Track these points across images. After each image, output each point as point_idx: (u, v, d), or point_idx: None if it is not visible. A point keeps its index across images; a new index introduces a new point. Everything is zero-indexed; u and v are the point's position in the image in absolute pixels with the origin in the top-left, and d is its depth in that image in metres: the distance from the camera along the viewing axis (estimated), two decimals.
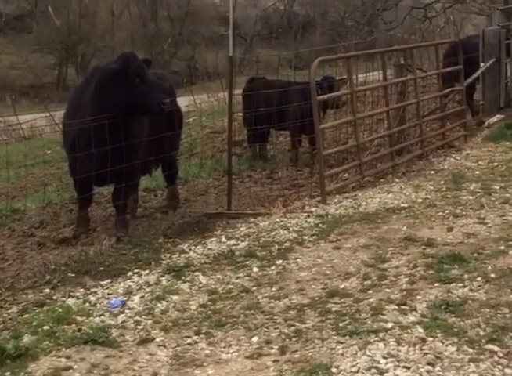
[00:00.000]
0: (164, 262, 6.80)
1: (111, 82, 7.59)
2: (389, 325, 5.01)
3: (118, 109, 7.58)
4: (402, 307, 5.32)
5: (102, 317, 5.53)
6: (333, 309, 5.39)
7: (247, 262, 6.67)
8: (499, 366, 4.46)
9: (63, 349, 4.95)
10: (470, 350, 4.61)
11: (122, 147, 7.64)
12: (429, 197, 8.67)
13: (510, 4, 19.60)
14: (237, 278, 6.26)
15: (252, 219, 8.20)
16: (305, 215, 8.17)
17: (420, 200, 8.56)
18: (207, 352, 4.87)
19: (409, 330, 4.92)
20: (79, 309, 5.66)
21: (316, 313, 5.35)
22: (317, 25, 47.64)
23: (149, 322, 5.40)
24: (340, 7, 34.19)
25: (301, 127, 11.33)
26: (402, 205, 8.35)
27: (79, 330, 5.24)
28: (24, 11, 52.37)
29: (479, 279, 5.77)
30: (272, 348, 4.83)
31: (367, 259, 6.48)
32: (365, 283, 5.91)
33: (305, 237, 7.31)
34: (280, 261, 6.66)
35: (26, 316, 5.58)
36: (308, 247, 7.01)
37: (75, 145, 7.80)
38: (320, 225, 7.74)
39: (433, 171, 10.20)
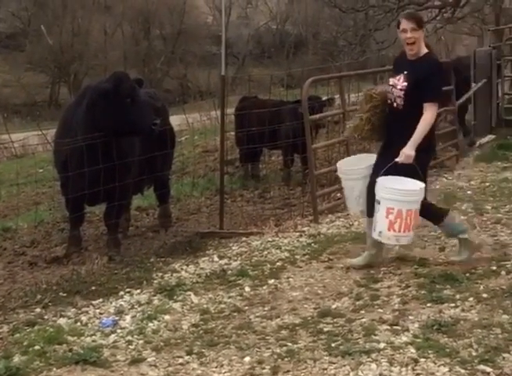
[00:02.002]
0: (155, 281, 6.78)
1: (102, 101, 7.58)
2: (381, 345, 5.00)
3: (109, 128, 7.56)
4: (395, 327, 5.32)
5: (93, 337, 5.51)
6: (326, 329, 5.38)
7: (239, 282, 6.66)
8: None
9: (54, 369, 4.93)
10: (463, 371, 4.60)
11: (114, 166, 7.63)
12: None
13: (501, 25, 19.76)
14: (229, 297, 6.25)
15: (244, 239, 8.19)
16: (297, 234, 8.17)
17: None
18: (199, 372, 4.85)
19: (401, 351, 4.91)
20: (70, 329, 5.64)
21: (308, 333, 5.34)
22: (309, 45, 47.89)
23: (141, 342, 5.38)
24: (332, 27, 34.37)
25: (293, 146, 11.35)
26: None
27: (70, 350, 5.22)
28: (17, 29, 52.46)
29: (471, 299, 5.77)
30: (264, 369, 4.81)
31: (359, 279, 6.48)
32: (358, 303, 5.91)
33: (297, 257, 7.31)
34: (272, 280, 6.65)
35: (17, 335, 5.56)
36: (300, 267, 7.01)
37: (67, 164, 7.79)
38: (312, 244, 7.74)
39: None
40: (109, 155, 7.59)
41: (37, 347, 5.26)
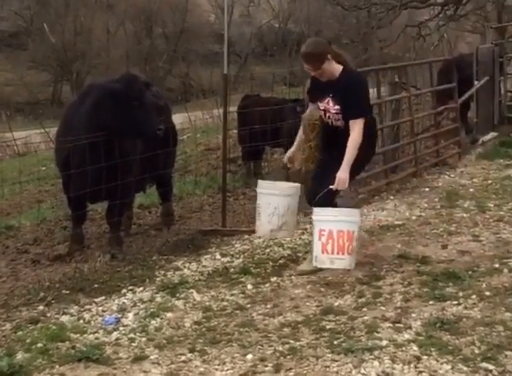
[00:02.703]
0: (158, 279, 6.78)
1: (110, 101, 7.56)
2: (384, 343, 5.00)
3: (113, 129, 7.55)
4: (397, 325, 5.31)
5: (96, 334, 5.51)
6: (328, 327, 5.38)
7: (242, 279, 6.66)
8: None
9: (57, 367, 4.92)
10: (465, 368, 4.60)
11: (116, 164, 7.63)
12: (423, 214, 8.68)
13: (503, 22, 19.74)
14: (231, 295, 6.25)
15: (246, 236, 8.19)
16: (300, 231, 8.16)
17: (414, 217, 8.57)
18: (202, 369, 4.85)
19: (403, 348, 4.90)
20: (73, 327, 5.64)
21: (311, 331, 5.33)
22: None
23: (144, 339, 5.38)
24: (334, 25, 34.37)
25: None
26: (397, 223, 8.35)
27: (73, 348, 5.21)
28: (20, 28, 52.59)
29: (474, 297, 5.76)
30: (266, 366, 4.81)
31: (361, 277, 6.47)
32: (360, 300, 5.90)
33: (300, 254, 7.31)
34: (275, 278, 6.65)
35: (19, 333, 5.56)
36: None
37: (68, 162, 7.78)
38: None
39: (427, 189, 10.22)
40: (111, 153, 7.58)
41: (39, 344, 5.26)
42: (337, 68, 6.68)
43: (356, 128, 6.52)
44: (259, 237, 6.97)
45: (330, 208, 6.48)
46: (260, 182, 7.24)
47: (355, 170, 6.62)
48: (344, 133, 6.59)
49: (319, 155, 6.90)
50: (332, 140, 6.75)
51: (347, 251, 6.33)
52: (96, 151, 7.48)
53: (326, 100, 6.70)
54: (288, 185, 7.18)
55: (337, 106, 6.64)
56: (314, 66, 6.63)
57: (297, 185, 7.08)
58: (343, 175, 6.45)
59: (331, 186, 6.47)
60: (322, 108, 6.77)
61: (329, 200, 6.60)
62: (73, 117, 7.90)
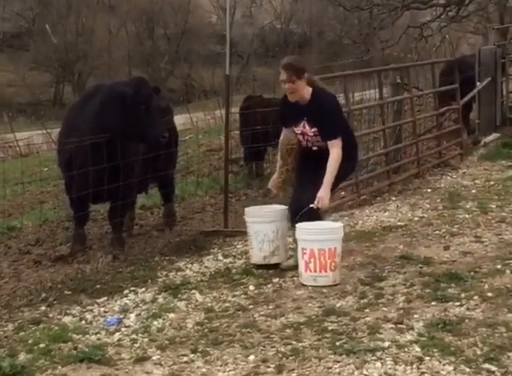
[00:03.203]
0: (160, 279, 6.79)
1: (118, 104, 7.56)
2: (386, 344, 4.99)
3: (117, 132, 7.55)
4: (399, 326, 5.31)
5: (98, 335, 5.51)
6: (330, 328, 5.37)
7: (244, 280, 6.67)
8: None
9: (59, 367, 4.92)
10: (468, 369, 4.59)
11: (119, 165, 7.63)
12: (425, 215, 8.68)
13: (505, 23, 19.75)
14: (234, 296, 6.25)
15: None
16: None
17: (416, 218, 8.57)
18: (204, 370, 4.85)
19: (406, 349, 4.90)
20: (75, 327, 5.64)
21: (313, 332, 5.33)
22: (313, 43, 47.89)
23: (146, 340, 5.38)
24: (336, 26, 34.40)
25: None
26: (399, 223, 8.36)
27: (75, 349, 5.22)
28: (22, 29, 52.61)
29: (476, 298, 5.76)
30: (268, 367, 4.81)
31: (364, 278, 6.48)
32: (362, 301, 5.90)
33: None
34: (277, 279, 6.66)
35: (22, 333, 5.56)
36: None
37: (72, 163, 7.78)
38: None
39: (429, 190, 10.22)
40: (114, 154, 7.59)
41: (42, 345, 5.26)
42: (308, 90, 6.75)
43: (335, 149, 6.63)
44: (254, 264, 7.01)
45: (312, 225, 6.53)
46: (247, 210, 7.33)
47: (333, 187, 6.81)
48: (326, 154, 6.66)
49: (296, 175, 6.98)
50: (312, 159, 6.82)
51: (330, 268, 6.36)
52: (99, 152, 7.48)
53: (302, 124, 6.77)
54: (274, 209, 7.29)
55: (314, 129, 6.71)
56: (290, 78, 6.65)
57: (284, 207, 7.16)
58: (324, 194, 6.58)
59: (312, 205, 6.56)
60: (299, 132, 6.82)
61: (312, 217, 6.66)
62: (77, 118, 7.90)
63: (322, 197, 6.56)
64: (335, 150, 6.60)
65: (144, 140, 7.80)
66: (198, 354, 5.07)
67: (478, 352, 4.80)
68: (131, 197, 8.43)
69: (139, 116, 7.54)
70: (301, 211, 6.66)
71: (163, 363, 4.97)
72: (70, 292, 6.51)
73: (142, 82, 7.91)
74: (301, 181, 6.93)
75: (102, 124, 7.57)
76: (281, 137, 7.10)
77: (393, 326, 5.32)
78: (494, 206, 8.83)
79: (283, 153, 6.99)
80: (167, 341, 5.32)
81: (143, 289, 6.51)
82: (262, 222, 7.03)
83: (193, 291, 6.37)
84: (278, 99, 13.14)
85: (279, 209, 7.20)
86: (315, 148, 6.79)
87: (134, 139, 7.72)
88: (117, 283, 6.74)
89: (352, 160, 7.15)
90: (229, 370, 4.81)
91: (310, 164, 6.81)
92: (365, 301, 5.91)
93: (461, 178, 11.00)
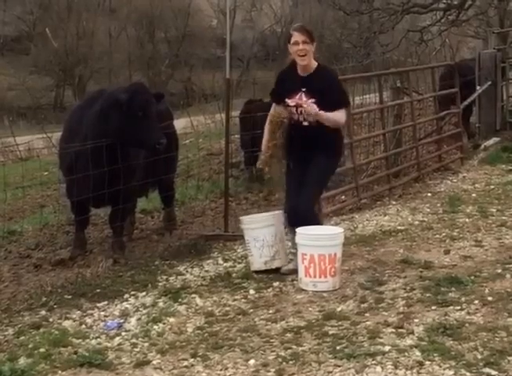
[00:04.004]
0: (160, 284, 6.79)
1: (114, 111, 7.58)
2: (386, 348, 4.99)
3: (115, 137, 7.57)
4: (399, 330, 5.30)
5: (98, 339, 5.51)
6: (330, 332, 5.37)
7: (244, 284, 6.67)
8: None
9: (59, 372, 4.92)
10: (468, 374, 4.59)
11: (120, 169, 7.63)
12: (426, 219, 8.68)
13: (505, 27, 19.75)
14: (234, 300, 6.25)
15: None
16: None
17: (416, 222, 8.57)
18: (204, 374, 4.84)
19: (406, 354, 4.90)
20: (75, 332, 5.64)
21: (313, 336, 5.33)
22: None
23: (146, 344, 5.38)
24: (336, 30, 34.35)
25: None
26: (399, 228, 8.36)
27: (75, 353, 5.21)
28: (22, 33, 52.63)
29: (476, 302, 5.76)
30: (268, 371, 4.81)
31: (364, 282, 6.47)
32: (362, 306, 5.90)
33: None
34: (277, 283, 6.65)
35: (22, 338, 5.56)
36: None
37: (73, 167, 7.79)
38: None
39: (429, 194, 10.22)
40: (114, 158, 7.59)
41: (42, 349, 5.26)
42: (314, 62, 6.85)
43: (341, 112, 6.72)
44: (255, 271, 7.00)
45: (312, 231, 6.53)
46: (242, 218, 7.34)
47: (332, 160, 6.97)
48: (315, 131, 6.70)
49: (283, 156, 6.97)
50: (302, 140, 6.81)
51: (330, 273, 6.36)
52: (101, 156, 7.49)
53: (298, 95, 6.76)
54: (270, 214, 7.33)
55: (312, 100, 6.67)
56: (309, 38, 6.76)
57: (280, 212, 7.19)
58: (316, 112, 6.60)
59: (304, 104, 6.64)
60: (292, 104, 6.79)
61: (311, 220, 6.70)
62: (79, 122, 7.90)
63: (317, 112, 6.60)
64: (339, 115, 6.72)
65: (141, 146, 7.81)
66: (198, 358, 5.07)
67: (479, 357, 4.80)
68: (132, 201, 8.43)
69: (136, 122, 7.55)
70: (298, 215, 6.72)
71: (163, 367, 4.97)
72: (70, 296, 6.50)
73: (140, 88, 7.91)
74: (291, 184, 6.97)
75: (101, 129, 7.59)
76: (270, 111, 7.08)
77: (393, 330, 5.31)
78: (494, 210, 8.83)
79: (271, 126, 6.91)
80: (167, 346, 5.31)
81: (143, 293, 6.51)
82: (260, 227, 7.03)
83: (193, 295, 6.37)
84: None
85: (274, 213, 7.22)
86: (305, 123, 6.77)
87: (131, 144, 7.73)
88: (117, 287, 6.74)
89: (340, 156, 7.33)
90: (230, 375, 4.81)
91: (301, 147, 6.82)
92: (366, 305, 5.90)
93: (461, 182, 11.01)
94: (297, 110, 6.78)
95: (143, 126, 7.57)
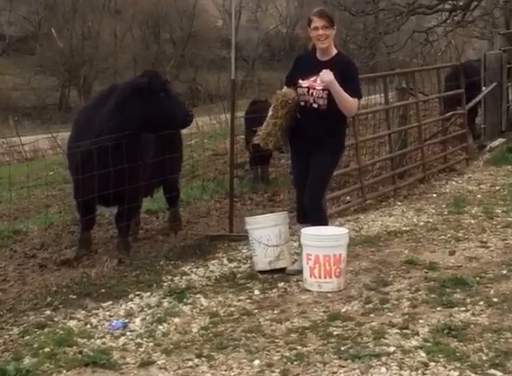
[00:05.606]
0: (165, 284, 6.79)
1: (136, 96, 7.57)
2: (391, 349, 4.99)
3: (141, 124, 7.55)
4: (404, 331, 5.30)
5: (103, 339, 5.51)
6: (335, 333, 5.37)
7: (249, 285, 6.66)
8: None
9: (64, 372, 4.93)
10: (473, 375, 4.59)
11: (128, 168, 7.61)
12: (431, 220, 8.67)
13: (511, 28, 19.72)
14: (239, 301, 6.24)
15: None
16: None
17: (421, 223, 8.57)
18: (209, 375, 4.84)
19: (411, 355, 4.90)
20: (80, 331, 5.64)
21: (318, 337, 5.33)
22: None
23: (151, 344, 5.38)
24: (341, 30, 34.30)
25: None
26: (404, 228, 8.35)
27: (80, 353, 5.22)
28: (28, 33, 52.66)
29: (481, 303, 5.75)
30: (273, 372, 4.81)
31: (369, 282, 6.47)
32: (367, 306, 5.90)
33: None
34: (282, 283, 6.65)
35: (27, 337, 5.56)
36: None
37: (81, 166, 7.75)
38: None
39: (435, 195, 10.21)
40: (121, 157, 7.56)
41: (47, 349, 5.26)
42: (334, 48, 6.86)
43: (352, 99, 6.68)
44: (259, 271, 7.00)
45: (317, 231, 6.53)
46: (247, 219, 7.34)
47: (334, 157, 6.99)
48: (323, 116, 6.68)
49: (278, 136, 6.91)
50: (307, 123, 6.75)
51: (335, 274, 6.36)
52: (108, 156, 7.46)
53: (313, 78, 6.74)
54: (274, 214, 7.36)
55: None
56: (329, 22, 6.79)
57: (284, 212, 7.24)
58: (331, 80, 6.60)
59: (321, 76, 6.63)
60: (305, 85, 6.77)
61: (319, 207, 6.82)
62: (90, 120, 7.86)
63: (331, 80, 6.59)
64: (352, 100, 6.69)
65: (173, 125, 7.82)
66: (203, 359, 5.07)
67: (484, 358, 4.80)
68: (138, 201, 8.43)
69: (160, 103, 7.56)
70: (306, 211, 6.78)
71: (168, 367, 4.97)
72: (75, 296, 6.50)
73: (154, 72, 8.02)
74: (300, 173, 6.96)
75: (121, 121, 7.55)
76: (282, 90, 7.04)
77: (398, 331, 5.31)
78: (499, 211, 8.82)
79: (276, 102, 6.86)
80: (172, 346, 5.32)
81: (148, 293, 6.51)
82: (264, 227, 7.03)
83: (198, 296, 6.37)
84: None
85: (280, 214, 7.22)
86: (315, 105, 6.74)
87: (160, 127, 7.74)
88: (122, 287, 6.74)
89: (341, 151, 7.31)
90: (234, 375, 4.81)
91: (306, 132, 6.79)
92: (371, 306, 5.90)
93: (466, 183, 11.00)
94: (308, 91, 6.76)
95: (168, 105, 7.58)
